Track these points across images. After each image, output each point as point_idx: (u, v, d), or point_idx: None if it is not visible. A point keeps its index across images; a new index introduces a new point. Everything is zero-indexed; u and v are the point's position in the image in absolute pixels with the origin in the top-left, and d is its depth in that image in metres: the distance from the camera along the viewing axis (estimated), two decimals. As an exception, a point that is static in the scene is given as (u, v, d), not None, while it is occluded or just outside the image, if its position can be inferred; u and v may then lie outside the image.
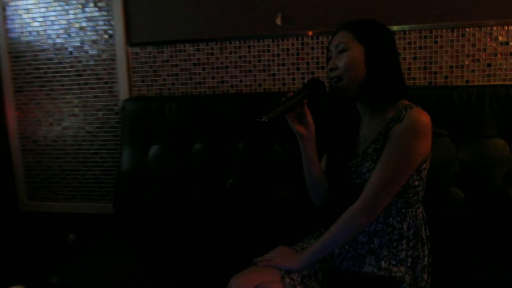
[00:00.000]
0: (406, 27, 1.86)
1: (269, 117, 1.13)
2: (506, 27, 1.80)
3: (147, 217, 1.94)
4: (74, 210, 2.26)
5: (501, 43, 1.81)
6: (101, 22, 2.11)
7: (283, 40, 1.96)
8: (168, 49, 2.06)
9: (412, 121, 1.10)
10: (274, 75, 2.00)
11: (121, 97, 2.11)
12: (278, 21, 1.93)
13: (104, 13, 2.10)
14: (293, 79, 1.98)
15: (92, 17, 2.11)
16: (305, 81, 1.96)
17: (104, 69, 2.14)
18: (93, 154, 2.22)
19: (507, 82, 1.83)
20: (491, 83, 1.84)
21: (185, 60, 2.06)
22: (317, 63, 1.95)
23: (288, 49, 1.96)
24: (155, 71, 2.10)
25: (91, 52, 2.14)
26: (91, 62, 2.14)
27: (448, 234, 1.57)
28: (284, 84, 2.00)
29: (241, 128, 1.89)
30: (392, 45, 1.22)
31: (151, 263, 1.56)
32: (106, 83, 2.15)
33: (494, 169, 1.70)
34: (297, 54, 1.96)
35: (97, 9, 2.11)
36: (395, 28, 1.86)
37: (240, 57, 2.01)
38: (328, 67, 1.23)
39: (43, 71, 2.20)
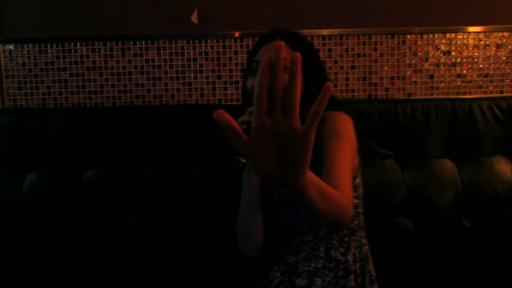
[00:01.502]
0: (344, 31, 1.65)
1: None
2: (447, 35, 1.65)
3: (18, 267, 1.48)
4: None
5: (444, 52, 1.66)
6: (-40, 11, 1.62)
7: (200, 42, 1.67)
8: (53, 49, 1.68)
9: (334, 114, 1.14)
10: (190, 84, 1.68)
11: (-11, 109, 1.63)
12: (194, 19, 1.62)
13: (-35, -1, 1.62)
14: (214, 89, 1.68)
15: None
16: (227, 91, 1.66)
17: (-35, 72, 1.65)
18: (-50, 184, 1.69)
19: (451, 96, 1.67)
20: (434, 96, 1.68)
21: (76, 63, 1.69)
22: (242, 70, 1.64)
23: (207, 53, 1.67)
24: (36, 75, 1.69)
25: None
26: None
27: (397, 274, 1.39)
28: (202, 95, 1.69)
29: (150, 148, 1.54)
30: (321, 63, 1.23)
31: None
32: (-32, 90, 1.66)
33: (443, 194, 1.53)
34: (218, 59, 1.67)
35: (-46, -7, 1.62)
36: (327, 32, 1.65)
37: (147, 61, 1.67)
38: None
39: None
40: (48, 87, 1.69)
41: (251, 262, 1.14)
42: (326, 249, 1.09)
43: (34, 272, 1.46)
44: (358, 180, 1.14)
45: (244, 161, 0.94)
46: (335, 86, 1.67)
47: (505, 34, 1.66)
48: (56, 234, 1.49)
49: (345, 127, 1.11)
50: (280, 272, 1.10)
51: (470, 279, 1.43)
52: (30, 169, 1.54)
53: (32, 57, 1.66)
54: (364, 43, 1.66)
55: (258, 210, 1.12)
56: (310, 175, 0.65)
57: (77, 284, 1.43)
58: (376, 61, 1.68)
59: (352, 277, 1.06)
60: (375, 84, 1.69)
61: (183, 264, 1.44)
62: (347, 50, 1.67)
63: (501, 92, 1.69)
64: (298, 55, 0.49)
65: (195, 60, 1.67)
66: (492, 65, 1.68)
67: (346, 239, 1.11)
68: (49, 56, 1.67)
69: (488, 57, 1.67)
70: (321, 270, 1.07)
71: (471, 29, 1.65)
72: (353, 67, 1.68)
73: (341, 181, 0.95)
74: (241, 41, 1.65)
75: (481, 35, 1.66)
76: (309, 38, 1.60)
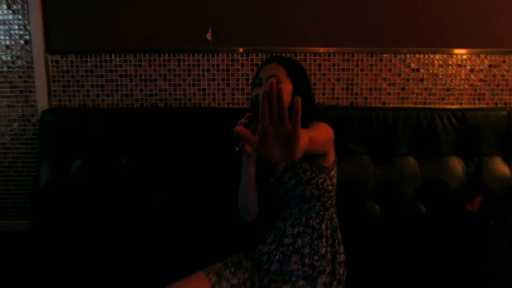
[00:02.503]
0: (331, 50, 1.96)
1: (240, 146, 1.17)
2: (417, 56, 1.97)
3: (64, 241, 1.82)
4: (-17, 228, 2.07)
5: (413, 70, 1.99)
6: (15, 26, 1.96)
7: (213, 56, 1.97)
8: (92, 59, 1.98)
9: (319, 122, 1.36)
10: (204, 89, 2.00)
11: (40, 108, 1.97)
12: (209, 36, 1.94)
13: (19, 16, 1.95)
14: (223, 94, 2.00)
15: (4, 20, 1.95)
16: (234, 96, 2.00)
17: (20, 77, 1.99)
18: (6, 168, 2.05)
19: (418, 106, 2.01)
20: (404, 105, 2.01)
21: (111, 71, 1.99)
22: (247, 79, 1.98)
23: (218, 65, 1.98)
24: (77, 81, 2.00)
25: (4, 58, 1.98)
26: (4, 69, 1.98)
27: (364, 242, 1.72)
28: (214, 99, 2.01)
29: (171, 142, 1.87)
30: (309, 83, 1.49)
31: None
32: (21, 91, 2.00)
33: (406, 185, 1.86)
34: (227, 70, 1.98)
35: (10, 12, 1.94)
36: (320, 50, 1.95)
37: (169, 70, 1.99)
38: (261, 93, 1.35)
39: None
40: (88, 91, 2.00)
41: (252, 229, 1.51)
42: (306, 219, 1.41)
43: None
44: (333, 172, 1.42)
45: (238, 149, 1.15)
46: (323, 94, 2.01)
47: (464, 56, 1.98)
48: (97, 209, 1.81)
49: (324, 125, 1.34)
50: (273, 234, 1.46)
51: (424, 253, 1.73)
52: (75, 157, 1.86)
53: (74, 65, 1.97)
54: (348, 60, 1.98)
55: (253, 190, 1.42)
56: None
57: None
58: (357, 75, 1.99)
59: (324, 240, 1.41)
60: (356, 94, 2.01)
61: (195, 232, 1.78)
62: (333, 65, 1.98)
63: (460, 103, 2.02)
64: (279, 89, 0.79)
65: (208, 70, 1.99)
66: (454, 81, 2.02)
67: (321, 213, 1.42)
68: (89, 65, 1.97)
69: (450, 74, 2.01)
70: (302, 234, 1.41)
71: (440, 50, 1.97)
72: (338, 79, 1.99)
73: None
74: (246, 55, 1.97)
75: (445, 56, 1.99)
76: (302, 55, 1.95)
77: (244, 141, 0.90)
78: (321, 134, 1.28)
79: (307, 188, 1.39)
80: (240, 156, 1.41)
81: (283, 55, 1.94)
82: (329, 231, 1.44)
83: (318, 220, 1.43)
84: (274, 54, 1.95)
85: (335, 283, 1.40)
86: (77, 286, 1.66)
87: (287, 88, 1.39)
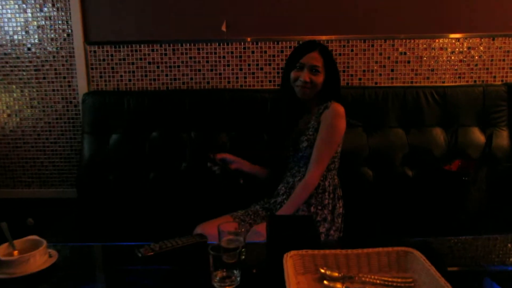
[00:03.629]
0: (332, 37, 2.26)
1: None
2: (404, 41, 2.26)
3: (108, 201, 2.16)
4: (33, 196, 2.42)
5: (401, 53, 2.28)
6: (59, 22, 2.29)
7: (227, 44, 2.28)
8: (124, 49, 2.29)
9: (335, 108, 1.69)
10: (220, 74, 2.31)
11: (80, 91, 2.30)
12: (224, 28, 2.24)
13: (62, 13, 2.28)
14: (237, 77, 2.31)
15: (50, 16, 2.28)
16: (246, 79, 2.30)
17: (63, 65, 2.32)
18: (51, 143, 2.39)
19: (405, 84, 2.30)
20: (394, 84, 2.30)
21: (140, 59, 2.30)
22: (257, 65, 2.29)
23: (232, 52, 2.29)
24: (112, 68, 2.31)
25: (50, 49, 2.31)
26: (50, 58, 2.31)
27: (360, 202, 2.02)
28: (229, 82, 2.32)
29: (193, 119, 2.18)
30: (339, 73, 1.81)
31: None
32: (64, 77, 2.33)
33: (395, 153, 2.16)
34: (240, 57, 2.29)
35: (55, 9, 2.28)
36: (323, 37, 2.25)
37: (190, 57, 2.29)
38: (302, 79, 1.69)
39: (0, 65, 2.32)
40: (121, 76, 2.30)
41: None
42: None
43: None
44: (338, 147, 1.75)
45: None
46: (323, 76, 2.31)
47: (445, 40, 2.27)
48: (131, 177, 2.15)
49: (337, 121, 1.67)
50: (284, 187, 1.78)
51: (410, 208, 2.01)
52: (112, 132, 2.18)
53: (109, 54, 2.28)
54: (344, 46, 2.27)
55: (257, 175, 1.89)
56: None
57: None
58: (352, 58, 2.27)
59: (326, 194, 1.71)
60: (351, 75, 2.30)
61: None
62: (332, 50, 2.24)
63: (443, 82, 2.31)
64: None
65: (224, 57, 2.28)
66: (437, 62, 2.30)
67: (325, 173, 1.71)
68: (121, 54, 2.28)
69: (433, 56, 2.29)
70: None
71: (424, 35, 2.25)
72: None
73: (316, 163, 1.65)
74: (256, 43, 2.26)
75: (429, 41, 2.28)
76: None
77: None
78: (329, 152, 1.69)
79: None
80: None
81: (288, 43, 2.25)
82: (331, 187, 1.74)
83: (322, 178, 1.71)
84: (280, 42, 2.25)
85: (334, 229, 1.71)
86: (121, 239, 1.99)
87: (320, 78, 1.70)
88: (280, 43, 2.25)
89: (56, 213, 2.28)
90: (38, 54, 2.31)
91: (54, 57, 2.31)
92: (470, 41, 2.27)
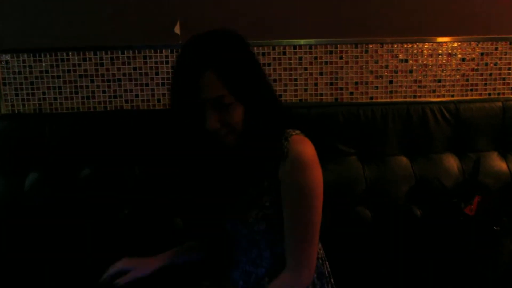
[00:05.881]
0: (313, 41, 1.83)
1: None
2: (405, 45, 1.85)
3: (21, 257, 1.64)
4: None
5: (401, 61, 1.86)
6: (-42, 23, 1.75)
7: (183, 51, 1.79)
8: (47, 58, 1.80)
9: (299, 156, 0.99)
10: (174, 89, 1.82)
11: (-11, 114, 1.77)
12: (177, 30, 1.76)
13: (-38, 11, 1.74)
14: (196, 94, 1.82)
15: None
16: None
17: (-35, 80, 1.78)
18: (-47, 183, 1.84)
19: (407, 99, 1.88)
20: (393, 99, 1.89)
21: (69, 71, 1.81)
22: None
23: (189, 61, 1.80)
24: (31, 83, 1.81)
25: None
26: None
27: (356, 254, 1.60)
28: (186, 99, 1.83)
29: (138, 149, 1.70)
30: (261, 78, 1.05)
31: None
32: (-32, 96, 1.79)
33: (398, 186, 1.74)
34: (200, 67, 1.81)
35: (-49, 6, 1.73)
36: (301, 42, 1.82)
37: (134, 68, 1.82)
38: (208, 128, 0.96)
39: None
40: (44, 93, 1.81)
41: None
42: (285, 266, 1.06)
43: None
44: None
45: None
46: (305, 90, 1.86)
47: (455, 44, 1.87)
48: (55, 228, 1.65)
49: (309, 177, 1.00)
50: (242, 281, 1.15)
51: (420, 261, 1.62)
52: (30, 170, 1.68)
53: (27, 66, 1.79)
54: (331, 52, 1.84)
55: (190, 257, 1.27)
56: None
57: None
58: (342, 68, 1.85)
59: (311, 286, 1.10)
60: (341, 89, 1.87)
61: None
62: (315, 58, 1.84)
63: (452, 96, 1.91)
64: None
65: None
66: (444, 72, 1.89)
67: None
68: (44, 64, 1.79)
69: (441, 65, 1.88)
70: None
71: (429, 39, 1.85)
72: (321, 74, 1.85)
73: (305, 256, 1.02)
74: None
75: (434, 45, 1.86)
76: (281, 48, 1.80)
77: None
78: (315, 226, 1.02)
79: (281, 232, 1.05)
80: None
81: (261, 48, 1.78)
82: (315, 274, 1.12)
83: None
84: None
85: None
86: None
87: (238, 112, 0.97)
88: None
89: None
90: None
91: (-48, 69, 1.77)
92: (484, 45, 1.87)
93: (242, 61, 1.00)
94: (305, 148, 1.00)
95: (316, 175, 1.00)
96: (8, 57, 1.78)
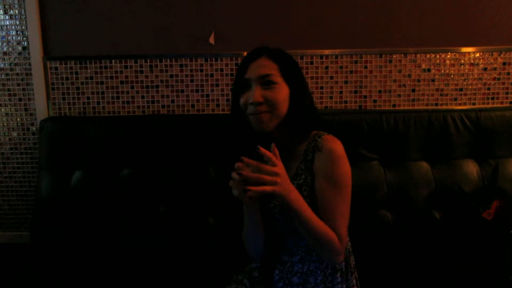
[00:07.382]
0: (337, 51, 1.89)
1: None
2: (427, 55, 1.90)
3: (68, 248, 1.77)
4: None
5: (424, 70, 1.91)
6: (13, 32, 1.90)
7: (216, 60, 1.91)
8: (92, 65, 1.92)
9: (333, 150, 1.14)
10: (207, 96, 1.94)
11: (39, 116, 1.92)
12: (212, 40, 1.87)
13: (17, 21, 1.89)
14: (227, 100, 1.94)
15: (1, 26, 1.89)
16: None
17: (18, 85, 1.93)
18: (6, 178, 2.00)
19: (429, 107, 1.93)
20: (415, 107, 1.93)
21: (111, 77, 1.93)
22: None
23: (221, 69, 1.92)
24: (77, 88, 1.94)
25: (1, 65, 1.92)
26: (2, 76, 1.93)
27: (378, 256, 1.66)
28: (218, 105, 1.94)
29: (174, 151, 1.81)
30: (306, 82, 1.23)
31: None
32: (20, 100, 1.94)
33: (418, 190, 1.79)
34: (231, 75, 1.92)
35: (7, 17, 1.89)
36: (326, 52, 1.88)
37: (171, 76, 1.92)
38: (251, 100, 1.11)
39: None
40: (88, 98, 1.94)
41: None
42: (317, 255, 1.19)
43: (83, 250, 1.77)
44: None
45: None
46: (331, 98, 1.94)
47: (477, 55, 1.91)
48: (97, 223, 1.75)
49: (340, 169, 1.13)
50: (278, 270, 1.23)
51: (439, 262, 1.67)
52: (75, 168, 1.80)
53: (74, 72, 1.91)
54: (356, 62, 1.91)
55: (260, 230, 1.18)
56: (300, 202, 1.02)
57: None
58: (366, 77, 1.92)
59: (338, 274, 1.21)
60: (365, 97, 1.94)
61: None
62: (341, 67, 1.91)
63: (474, 104, 1.95)
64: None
65: (212, 75, 1.92)
66: (466, 81, 1.94)
67: None
68: (89, 71, 1.91)
69: (463, 74, 1.93)
70: (314, 271, 1.20)
71: (451, 49, 1.90)
72: (346, 82, 1.93)
73: (342, 231, 1.11)
74: None
75: (457, 55, 1.91)
76: (309, 58, 1.88)
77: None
78: (345, 206, 1.14)
79: None
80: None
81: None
82: (343, 263, 1.22)
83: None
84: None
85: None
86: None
87: (283, 92, 1.13)
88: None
89: (9, 262, 1.91)
90: (-13, 72, 1.93)
91: (7, 74, 1.93)
92: (506, 55, 1.90)
93: (290, 57, 1.19)
94: (336, 144, 1.15)
95: (348, 167, 1.15)
96: (57, 64, 1.91)
